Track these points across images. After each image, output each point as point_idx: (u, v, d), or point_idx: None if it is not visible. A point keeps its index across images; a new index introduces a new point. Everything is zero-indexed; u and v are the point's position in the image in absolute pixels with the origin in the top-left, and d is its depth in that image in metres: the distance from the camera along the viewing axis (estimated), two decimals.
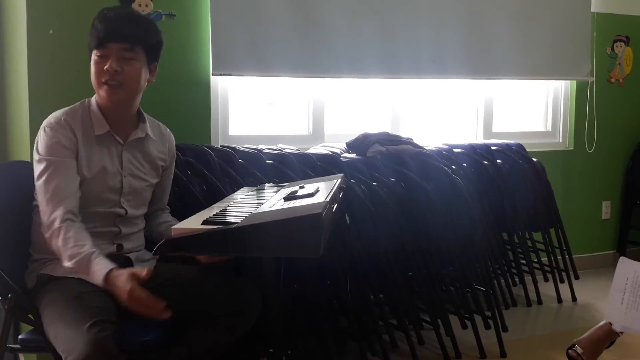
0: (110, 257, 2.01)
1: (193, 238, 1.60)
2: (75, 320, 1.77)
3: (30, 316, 1.95)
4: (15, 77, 2.70)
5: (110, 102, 2.03)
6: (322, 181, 2.18)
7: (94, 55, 2.01)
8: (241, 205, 1.99)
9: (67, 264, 1.87)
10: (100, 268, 1.84)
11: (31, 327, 1.99)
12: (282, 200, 1.89)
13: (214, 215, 1.82)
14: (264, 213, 1.74)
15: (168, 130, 2.28)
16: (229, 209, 1.94)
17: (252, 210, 1.85)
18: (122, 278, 1.82)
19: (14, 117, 2.80)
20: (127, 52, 2.00)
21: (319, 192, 1.89)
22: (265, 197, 2.13)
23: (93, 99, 2.08)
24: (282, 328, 2.13)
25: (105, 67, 1.98)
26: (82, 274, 1.88)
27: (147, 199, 2.18)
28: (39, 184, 1.96)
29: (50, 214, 1.91)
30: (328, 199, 1.72)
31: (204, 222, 1.69)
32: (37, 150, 2.00)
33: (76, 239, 1.88)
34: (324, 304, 2.76)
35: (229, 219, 1.71)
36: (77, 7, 2.54)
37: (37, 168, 1.98)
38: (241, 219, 1.68)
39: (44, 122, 2.02)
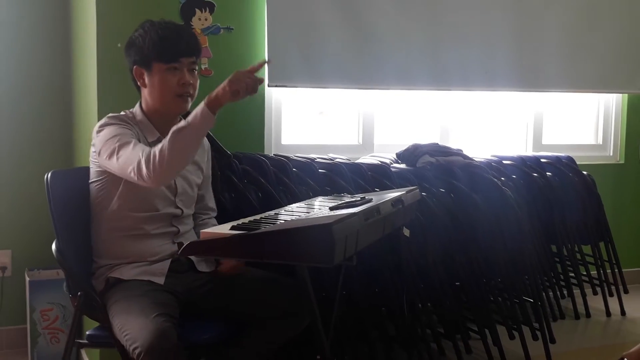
0: (173, 258, 2.12)
1: (216, 242, 1.66)
2: (141, 311, 1.87)
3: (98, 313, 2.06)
4: (85, 88, 2.84)
5: (179, 113, 2.14)
6: (394, 193, 2.21)
7: (163, 68, 2.07)
8: (286, 214, 2.04)
9: (168, 141, 1.89)
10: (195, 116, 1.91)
11: (96, 325, 2.11)
12: (327, 209, 1.95)
13: (244, 222, 1.86)
14: (288, 222, 1.79)
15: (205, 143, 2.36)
16: (270, 216, 1.99)
17: (289, 218, 1.90)
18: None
19: (82, 126, 2.95)
20: (194, 64, 2.12)
21: (366, 203, 1.93)
22: (317, 207, 2.19)
23: (136, 110, 2.16)
24: (330, 334, 2.20)
25: (182, 81, 2.08)
26: (189, 129, 1.90)
27: (195, 198, 2.27)
28: (113, 161, 1.96)
29: (135, 162, 1.91)
30: (358, 211, 1.75)
31: (232, 228, 1.75)
32: (97, 145, 2.03)
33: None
34: (372, 312, 2.82)
35: (258, 227, 1.76)
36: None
37: (105, 152, 1.99)
38: (270, 226, 1.73)
39: (98, 125, 2.07)
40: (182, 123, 1.93)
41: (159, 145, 1.91)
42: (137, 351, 1.78)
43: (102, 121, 2.10)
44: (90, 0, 2.60)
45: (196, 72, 2.14)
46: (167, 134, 2.10)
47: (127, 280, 2.06)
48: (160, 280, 2.06)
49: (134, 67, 2.12)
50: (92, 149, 2.10)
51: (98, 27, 2.54)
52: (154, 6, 2.69)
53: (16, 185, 3.14)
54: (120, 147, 1.97)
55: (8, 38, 3.07)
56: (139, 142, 2.03)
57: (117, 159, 1.97)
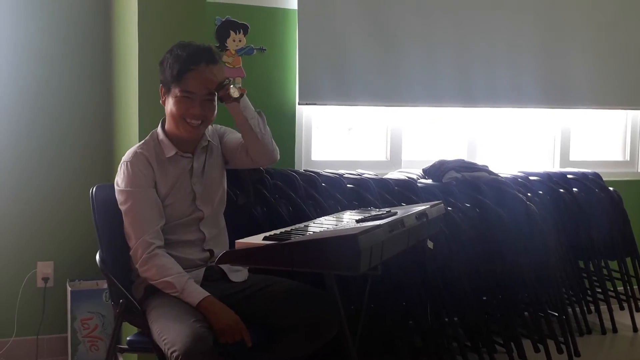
0: (206, 266, 2.24)
1: (250, 251, 1.77)
2: (178, 317, 1.99)
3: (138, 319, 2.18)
4: (125, 105, 2.98)
5: (188, 138, 2.25)
6: (419, 207, 2.30)
7: (177, 93, 2.18)
8: (315, 226, 2.14)
9: (157, 282, 2.12)
10: (195, 290, 2.08)
11: (135, 331, 2.23)
12: (355, 221, 2.04)
13: (276, 233, 1.96)
14: (317, 233, 1.89)
15: (216, 126, 2.45)
16: (300, 228, 2.09)
17: (318, 229, 2.00)
18: (220, 306, 2.07)
19: (123, 142, 3.08)
20: (211, 95, 2.22)
21: (391, 216, 2.02)
22: (345, 219, 2.28)
23: (159, 130, 2.30)
24: (356, 343, 2.28)
25: (190, 111, 2.18)
26: (175, 291, 2.09)
27: (220, 195, 2.37)
28: (122, 212, 2.20)
29: (134, 243, 2.16)
30: (383, 223, 1.84)
31: (264, 238, 1.85)
32: (117, 183, 2.22)
33: (162, 265, 2.13)
34: (399, 323, 2.89)
35: (289, 237, 1.85)
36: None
37: (120, 198, 2.21)
38: (300, 237, 1.83)
39: (124, 158, 2.25)
40: (180, 285, 2.09)
41: (154, 268, 2.12)
42: (175, 354, 1.88)
43: (129, 155, 2.24)
44: (132, 21, 2.75)
45: (214, 101, 2.23)
46: (184, 149, 2.27)
47: None
48: None
49: (160, 85, 2.27)
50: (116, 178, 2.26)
51: (140, 47, 2.66)
52: (191, 27, 2.82)
53: (59, 200, 3.27)
54: (129, 212, 2.19)
55: (53, 58, 3.23)
56: (152, 185, 2.21)
57: (127, 223, 2.19)
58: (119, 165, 2.25)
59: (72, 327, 3.08)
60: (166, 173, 2.25)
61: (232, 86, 2.19)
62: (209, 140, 2.34)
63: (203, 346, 1.88)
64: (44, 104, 3.24)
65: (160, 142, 2.27)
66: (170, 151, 2.26)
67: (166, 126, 2.29)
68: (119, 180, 2.22)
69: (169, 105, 2.22)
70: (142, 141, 2.30)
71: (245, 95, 2.24)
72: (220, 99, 2.25)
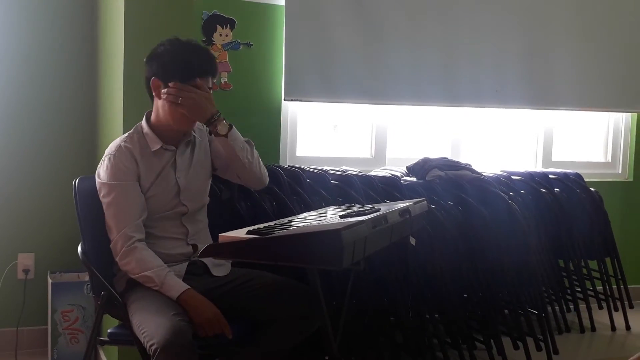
0: (189, 261, 2.24)
1: (233, 244, 1.78)
2: (159, 310, 1.99)
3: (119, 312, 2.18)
4: (110, 99, 2.97)
5: (183, 130, 2.26)
6: (402, 204, 2.31)
7: (178, 86, 2.17)
8: (299, 221, 2.14)
9: (137, 276, 2.11)
10: (175, 284, 2.08)
11: (116, 324, 2.23)
12: (338, 217, 2.06)
13: (260, 227, 1.96)
14: (300, 227, 1.90)
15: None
16: (284, 223, 2.10)
17: (301, 224, 2.01)
18: (200, 299, 2.07)
19: (106, 135, 3.07)
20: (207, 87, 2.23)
21: (374, 212, 2.03)
22: (329, 215, 2.29)
23: (144, 123, 2.29)
24: (338, 337, 2.29)
25: None
26: (155, 285, 2.09)
27: (204, 193, 2.37)
28: (104, 205, 2.19)
29: (115, 236, 2.15)
30: (367, 219, 1.85)
31: (248, 232, 1.86)
32: (99, 175, 2.21)
33: (141, 258, 2.12)
34: (380, 320, 2.91)
35: (272, 231, 1.86)
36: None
37: (102, 190, 2.20)
38: (283, 231, 1.84)
39: (107, 151, 2.24)
40: (159, 279, 2.09)
41: (134, 261, 2.12)
42: (153, 347, 1.89)
43: (112, 147, 2.23)
44: (119, 14, 2.74)
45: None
46: (169, 142, 2.26)
47: None
48: None
49: (153, 78, 2.23)
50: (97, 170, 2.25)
51: (126, 40, 2.66)
52: (178, 22, 2.82)
53: (41, 192, 3.26)
54: (110, 204, 2.18)
55: (38, 50, 3.21)
56: (136, 179, 2.20)
57: (109, 216, 2.19)
58: (102, 158, 2.24)
59: (53, 319, 3.06)
60: (150, 166, 2.24)
61: (222, 121, 2.19)
62: (193, 135, 2.34)
63: (182, 340, 1.89)
64: (28, 96, 3.22)
65: (145, 135, 2.26)
66: (156, 144, 2.25)
67: (153, 119, 2.28)
68: (102, 172, 2.21)
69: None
70: (126, 134, 2.29)
71: (234, 128, 2.24)
72: (208, 133, 2.26)
